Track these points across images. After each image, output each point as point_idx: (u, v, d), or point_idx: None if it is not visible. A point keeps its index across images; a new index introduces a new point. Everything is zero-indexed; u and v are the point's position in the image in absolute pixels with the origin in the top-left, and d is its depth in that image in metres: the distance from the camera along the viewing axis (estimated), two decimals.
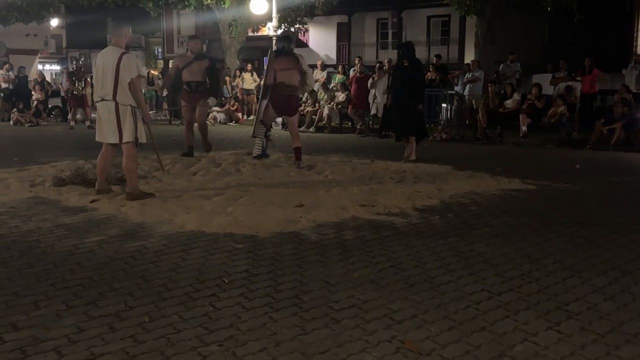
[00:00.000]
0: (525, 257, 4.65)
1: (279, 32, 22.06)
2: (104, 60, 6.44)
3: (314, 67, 21.16)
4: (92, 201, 6.47)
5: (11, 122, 18.25)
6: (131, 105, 6.40)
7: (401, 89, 10.05)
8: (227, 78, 21.56)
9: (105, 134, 6.51)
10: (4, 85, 20.44)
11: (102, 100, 6.44)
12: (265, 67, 9.55)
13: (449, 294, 3.86)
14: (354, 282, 4.07)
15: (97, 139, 6.70)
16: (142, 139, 6.62)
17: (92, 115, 18.54)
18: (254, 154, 9.69)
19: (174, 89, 19.61)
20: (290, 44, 9.38)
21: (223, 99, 20.27)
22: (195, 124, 10.16)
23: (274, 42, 9.85)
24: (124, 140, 6.46)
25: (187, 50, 10.22)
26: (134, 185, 6.59)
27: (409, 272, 4.28)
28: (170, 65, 22.03)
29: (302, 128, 16.49)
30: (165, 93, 21.15)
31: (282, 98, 9.10)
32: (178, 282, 4.02)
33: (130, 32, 6.89)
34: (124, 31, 6.67)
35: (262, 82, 9.46)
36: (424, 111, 10.93)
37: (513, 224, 5.76)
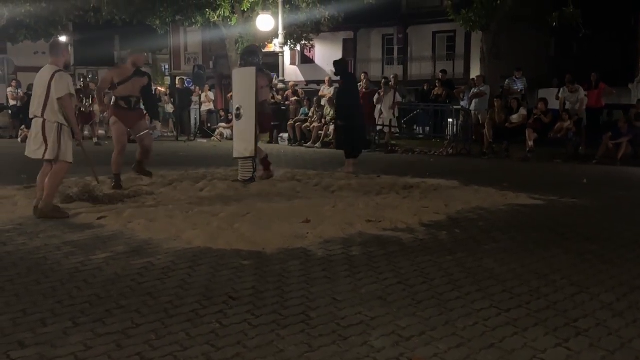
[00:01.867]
0: (533, 273, 4.63)
1: (285, 48, 22.28)
2: (38, 78, 6.56)
3: (321, 82, 21.32)
4: (99, 218, 6.48)
5: (19, 139, 18.36)
6: (58, 123, 6.45)
7: (340, 107, 10.53)
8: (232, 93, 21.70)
9: (32, 149, 6.58)
10: (12, 103, 20.60)
11: (34, 117, 6.52)
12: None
13: (457, 310, 3.84)
14: (361, 298, 4.05)
15: (25, 154, 6.76)
16: (68, 157, 6.63)
17: (100, 131, 18.71)
18: (244, 178, 8.89)
19: (182, 105, 19.92)
20: (260, 58, 9.17)
21: (229, 115, 20.39)
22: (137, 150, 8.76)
23: (256, 57, 9.27)
24: (46, 157, 6.53)
25: (126, 63, 8.61)
26: (48, 200, 6.55)
27: (416, 289, 4.26)
28: (177, 82, 22.23)
29: (309, 144, 16.56)
30: (172, 109, 21.30)
31: (268, 117, 9.05)
32: (185, 299, 4.02)
33: (68, 51, 7.05)
34: (61, 50, 6.76)
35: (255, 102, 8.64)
36: (353, 126, 10.56)
37: (521, 239, 5.74)
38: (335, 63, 10.90)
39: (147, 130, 8.72)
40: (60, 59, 6.68)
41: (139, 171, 8.81)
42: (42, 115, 6.42)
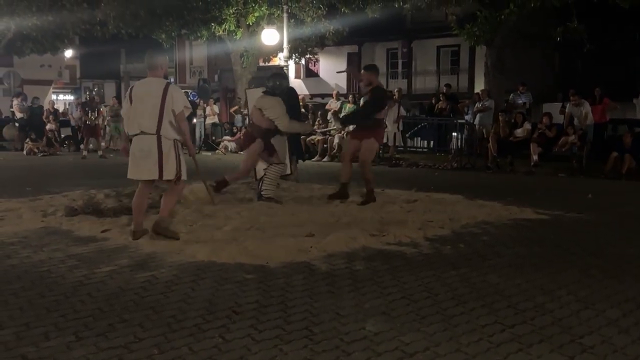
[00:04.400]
0: (538, 289, 4.60)
1: (290, 62, 22.36)
2: (144, 91, 5.97)
3: (326, 96, 21.40)
4: (103, 231, 6.48)
5: (24, 152, 18.44)
6: (175, 140, 5.95)
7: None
8: (237, 107, 21.80)
9: (143, 170, 5.95)
10: (18, 115, 20.71)
11: (141, 133, 5.91)
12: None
13: (461, 326, 3.82)
14: (365, 313, 4.03)
15: (130, 176, 6.12)
16: (184, 175, 6.09)
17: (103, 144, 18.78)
18: (268, 195, 8.34)
19: (187, 118, 19.95)
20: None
21: (234, 128, 20.46)
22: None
23: (276, 80, 8.52)
24: (164, 178, 5.95)
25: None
26: (164, 216, 6.09)
27: (420, 304, 4.24)
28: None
29: (316, 158, 16.54)
30: None
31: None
32: (188, 313, 4.01)
33: (167, 62, 6.44)
34: (159, 62, 6.16)
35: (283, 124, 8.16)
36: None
37: (525, 254, 5.72)
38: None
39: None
40: (160, 71, 6.14)
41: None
42: (158, 132, 5.84)
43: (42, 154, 18.07)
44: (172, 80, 42.96)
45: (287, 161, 8.94)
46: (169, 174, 5.91)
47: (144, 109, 5.88)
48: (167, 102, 5.83)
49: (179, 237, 6.02)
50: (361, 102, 9.13)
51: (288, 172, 9.12)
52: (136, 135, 5.95)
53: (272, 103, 8.12)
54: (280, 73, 9.27)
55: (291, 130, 8.37)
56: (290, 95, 9.46)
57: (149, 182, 6.14)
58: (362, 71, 8.86)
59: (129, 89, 6.22)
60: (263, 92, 8.44)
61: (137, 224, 6.14)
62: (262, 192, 8.26)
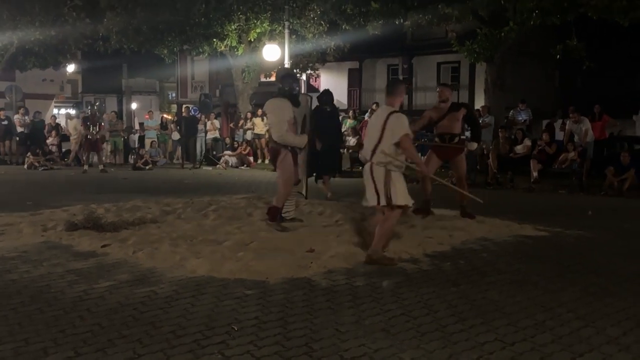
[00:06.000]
0: (538, 306, 4.59)
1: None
2: (373, 121, 6.26)
3: None
4: (103, 246, 6.48)
5: (25, 166, 18.46)
6: (385, 166, 5.93)
7: (330, 132, 10.59)
8: (241, 122, 21.86)
9: (367, 197, 6.09)
10: (19, 129, 20.76)
11: (365, 160, 6.18)
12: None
13: (461, 343, 3.81)
14: (365, 330, 4.03)
15: (362, 203, 6.37)
16: (401, 201, 5.97)
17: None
18: (291, 217, 8.13)
19: (188, 133, 20.02)
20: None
21: (235, 143, 20.50)
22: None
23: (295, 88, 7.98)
24: (381, 204, 5.99)
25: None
26: (377, 247, 5.99)
27: (420, 320, 4.23)
28: (183, 110, 22.39)
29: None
30: (177, 137, 21.43)
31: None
32: (187, 329, 4.00)
33: (403, 91, 6.44)
34: (399, 90, 6.29)
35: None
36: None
37: (525, 271, 5.71)
38: (326, 93, 11.24)
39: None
40: (398, 99, 6.24)
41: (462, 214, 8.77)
42: (371, 159, 6.03)
43: (42, 168, 18.08)
44: (174, 95, 43.18)
45: (302, 177, 8.68)
46: (382, 200, 5.95)
47: (369, 139, 6.16)
48: (386, 131, 5.93)
49: (396, 264, 5.90)
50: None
51: (299, 190, 8.87)
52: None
53: (275, 107, 7.55)
54: (291, 73, 8.82)
55: (283, 142, 7.48)
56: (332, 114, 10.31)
57: (377, 207, 6.14)
58: (440, 87, 9.18)
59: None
60: (274, 95, 7.92)
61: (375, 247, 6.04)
62: (283, 214, 7.86)
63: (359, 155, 16.06)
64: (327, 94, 11.19)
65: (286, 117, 7.44)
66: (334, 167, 11.62)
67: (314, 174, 10.95)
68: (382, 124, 5.95)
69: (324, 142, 9.99)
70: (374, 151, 5.98)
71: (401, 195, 5.95)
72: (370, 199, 6.02)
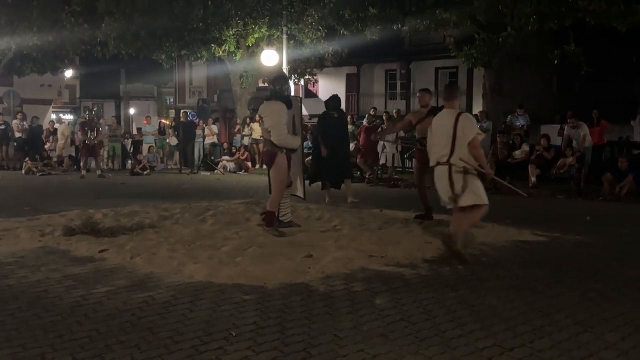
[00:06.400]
0: (537, 311, 4.59)
1: (290, 82, 22.46)
2: (440, 124, 6.45)
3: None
4: (101, 251, 6.47)
5: (23, 172, 18.44)
6: (464, 168, 6.18)
7: (337, 136, 10.65)
8: (237, 127, 21.87)
9: (445, 198, 6.40)
10: (17, 135, 20.76)
11: (438, 164, 6.38)
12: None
13: (460, 349, 3.80)
14: (363, 335, 4.02)
15: (442, 205, 6.64)
16: (480, 200, 6.26)
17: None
18: (287, 219, 8.15)
19: (186, 138, 20.04)
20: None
21: (233, 148, 20.51)
22: None
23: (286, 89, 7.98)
24: (462, 205, 6.21)
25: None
26: (456, 239, 6.22)
27: (419, 326, 4.22)
28: (181, 115, 22.41)
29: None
30: (176, 142, 21.44)
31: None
32: (185, 335, 3.99)
33: (460, 95, 6.89)
34: (456, 93, 6.80)
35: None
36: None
37: (524, 276, 5.70)
38: (334, 99, 11.14)
39: None
40: (457, 102, 6.66)
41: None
42: (449, 162, 6.22)
43: (40, 174, 18.06)
44: (172, 100, 43.19)
45: (298, 181, 8.76)
46: (467, 201, 6.20)
47: (439, 141, 6.37)
48: (458, 132, 6.17)
49: (469, 263, 6.07)
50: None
51: (298, 194, 8.85)
52: (434, 166, 6.45)
53: (272, 110, 7.54)
54: (284, 76, 8.62)
55: (284, 144, 7.51)
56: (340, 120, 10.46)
57: (460, 208, 6.34)
58: (420, 92, 9.22)
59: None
60: (266, 98, 7.97)
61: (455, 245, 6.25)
62: (280, 218, 7.92)
63: (358, 162, 16.07)
64: (335, 99, 11.04)
65: (284, 120, 7.47)
66: (349, 172, 11.48)
67: (320, 181, 10.93)
68: (453, 126, 6.20)
69: (331, 148, 10.00)
70: (451, 154, 6.20)
71: (481, 195, 6.25)
72: (449, 201, 6.33)
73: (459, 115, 6.27)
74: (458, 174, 6.18)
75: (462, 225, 6.29)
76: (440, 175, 6.34)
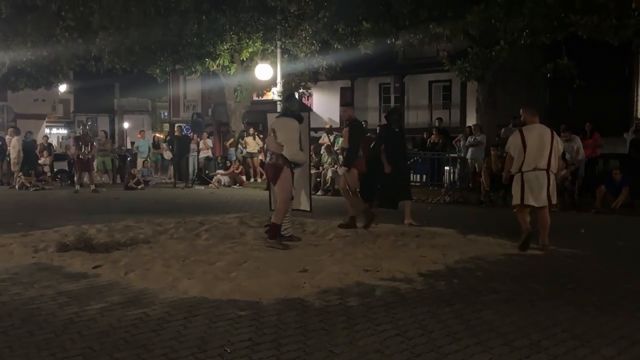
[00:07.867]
0: (533, 325, 4.57)
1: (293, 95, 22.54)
2: (537, 135, 7.73)
3: (319, 130, 21.53)
4: (95, 267, 6.43)
5: (16, 186, 18.35)
6: (555, 175, 7.83)
7: (399, 153, 10.16)
8: (232, 140, 21.86)
9: (542, 198, 7.71)
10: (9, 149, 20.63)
11: (535, 169, 7.67)
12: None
13: None
14: (359, 351, 3.99)
15: (528, 203, 7.76)
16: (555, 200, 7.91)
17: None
18: (289, 234, 8.18)
19: (180, 152, 20.00)
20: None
21: (227, 162, 20.48)
22: None
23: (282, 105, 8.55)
24: (553, 202, 7.85)
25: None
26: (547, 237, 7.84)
27: (414, 341, 4.20)
28: (175, 129, 22.38)
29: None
30: (170, 156, 21.39)
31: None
32: (180, 352, 3.95)
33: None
34: (536, 112, 8.11)
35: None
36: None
37: (520, 290, 5.69)
38: (396, 112, 11.55)
39: None
40: (537, 117, 8.00)
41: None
42: (547, 168, 7.68)
43: (34, 189, 17.98)
44: (166, 114, 43.18)
45: (303, 195, 8.72)
46: (554, 200, 7.89)
47: (537, 150, 7.69)
48: (554, 144, 7.72)
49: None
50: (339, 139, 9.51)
51: (302, 207, 8.81)
52: (528, 171, 7.73)
53: (284, 125, 7.74)
54: (293, 95, 9.28)
55: (295, 160, 7.76)
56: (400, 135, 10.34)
57: (542, 208, 7.89)
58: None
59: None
60: (279, 114, 8.29)
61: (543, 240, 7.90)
62: (282, 232, 7.87)
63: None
64: (397, 112, 10.63)
65: (296, 136, 7.77)
66: (408, 193, 10.45)
67: (378, 201, 10.37)
68: (550, 139, 7.72)
69: (394, 166, 9.74)
70: (549, 161, 7.66)
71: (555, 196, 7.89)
72: (543, 200, 7.71)
73: (552, 131, 7.86)
74: (553, 178, 7.75)
75: (548, 220, 7.84)
76: (539, 178, 7.69)
